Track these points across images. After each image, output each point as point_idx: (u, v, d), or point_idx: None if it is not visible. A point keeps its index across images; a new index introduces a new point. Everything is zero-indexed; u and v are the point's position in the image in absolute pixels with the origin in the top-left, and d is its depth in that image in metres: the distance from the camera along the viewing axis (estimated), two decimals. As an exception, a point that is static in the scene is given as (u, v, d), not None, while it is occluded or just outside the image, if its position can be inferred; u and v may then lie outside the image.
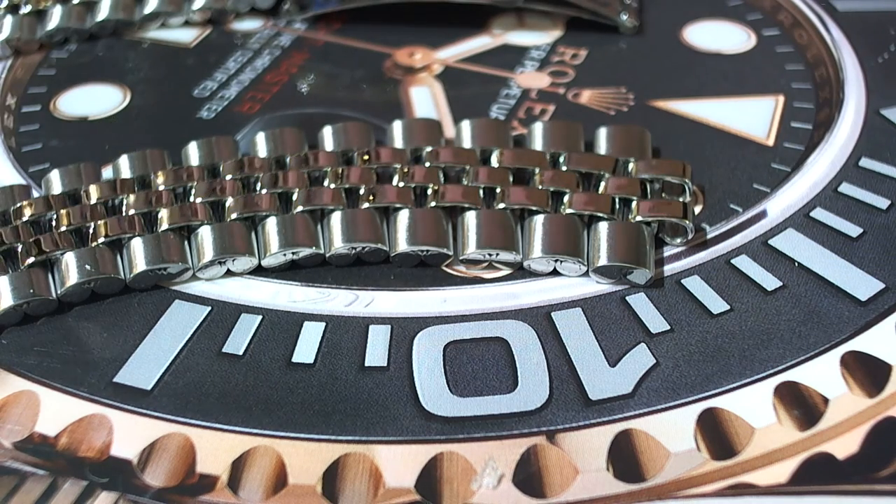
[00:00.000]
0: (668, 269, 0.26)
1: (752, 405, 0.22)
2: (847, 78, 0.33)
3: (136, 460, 0.21)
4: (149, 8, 0.36)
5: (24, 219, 0.26)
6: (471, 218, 0.26)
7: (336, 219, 0.26)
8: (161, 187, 0.27)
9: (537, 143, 0.28)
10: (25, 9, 0.35)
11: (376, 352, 0.24)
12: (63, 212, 0.26)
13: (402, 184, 0.27)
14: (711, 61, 0.34)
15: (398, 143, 0.29)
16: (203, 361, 0.24)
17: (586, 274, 0.25)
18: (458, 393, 0.23)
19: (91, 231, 0.26)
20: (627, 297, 0.25)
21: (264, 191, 0.26)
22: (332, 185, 0.26)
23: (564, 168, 0.27)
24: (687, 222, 0.26)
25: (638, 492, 0.21)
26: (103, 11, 0.36)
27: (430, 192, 0.26)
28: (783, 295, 0.25)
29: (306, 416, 0.22)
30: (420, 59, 0.35)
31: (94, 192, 0.27)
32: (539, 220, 0.26)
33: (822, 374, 0.23)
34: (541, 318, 0.24)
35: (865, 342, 0.23)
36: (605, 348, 0.24)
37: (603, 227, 0.25)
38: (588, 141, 0.29)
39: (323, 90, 0.33)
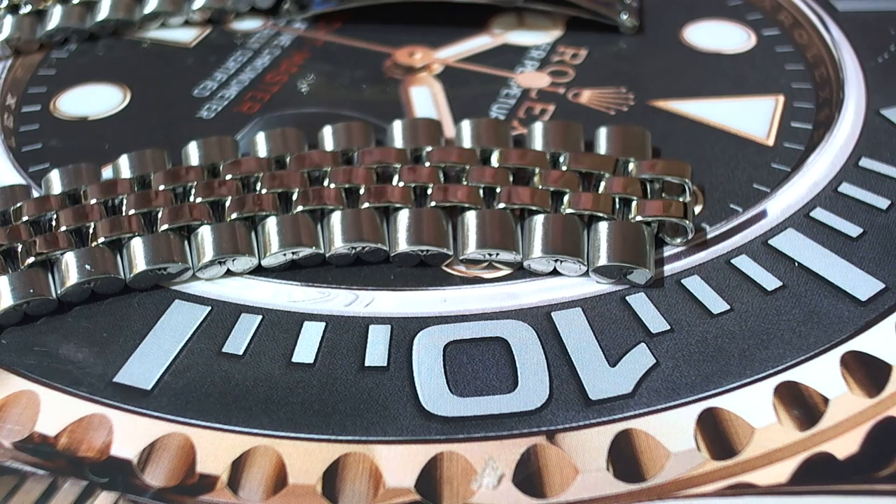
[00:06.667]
0: (668, 269, 0.26)
1: (752, 405, 0.22)
2: (847, 78, 0.33)
3: (136, 460, 0.21)
4: (149, 8, 0.36)
5: (24, 219, 0.26)
6: (471, 218, 0.26)
7: (336, 218, 0.26)
8: (161, 187, 0.27)
9: (537, 143, 0.28)
10: (25, 9, 0.35)
11: (376, 352, 0.24)
12: (63, 212, 0.26)
13: (402, 184, 0.27)
14: (711, 61, 0.34)
15: (398, 142, 0.29)
16: (203, 361, 0.24)
17: (586, 274, 0.25)
18: (458, 393, 0.23)
19: (91, 231, 0.26)
20: (627, 297, 0.25)
21: (264, 191, 0.26)
22: (333, 185, 0.26)
23: (564, 168, 0.27)
24: (687, 222, 0.26)
25: (638, 492, 0.21)
26: (103, 11, 0.36)
27: (430, 191, 0.26)
28: (783, 295, 0.25)
29: (306, 416, 0.22)
30: (420, 59, 0.35)
31: (93, 192, 0.27)
32: (539, 220, 0.26)
33: (822, 374, 0.23)
34: (541, 318, 0.24)
35: (865, 342, 0.23)
36: (605, 348, 0.24)
37: (603, 227, 0.25)
38: (588, 141, 0.29)
39: (323, 90, 0.33)
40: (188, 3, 0.36)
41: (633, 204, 0.26)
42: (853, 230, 0.27)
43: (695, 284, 0.25)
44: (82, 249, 0.25)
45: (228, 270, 0.26)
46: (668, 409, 0.22)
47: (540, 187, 0.26)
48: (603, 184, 0.26)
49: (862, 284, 0.25)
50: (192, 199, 0.26)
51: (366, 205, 0.26)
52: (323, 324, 0.25)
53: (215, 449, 0.22)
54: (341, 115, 0.32)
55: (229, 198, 0.26)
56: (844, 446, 0.21)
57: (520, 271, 0.26)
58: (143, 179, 0.27)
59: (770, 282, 0.25)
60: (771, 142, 0.30)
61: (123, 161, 0.28)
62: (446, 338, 0.24)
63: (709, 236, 0.27)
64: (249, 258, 0.26)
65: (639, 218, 0.26)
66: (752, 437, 0.21)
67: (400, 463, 0.21)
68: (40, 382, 0.23)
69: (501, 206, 0.26)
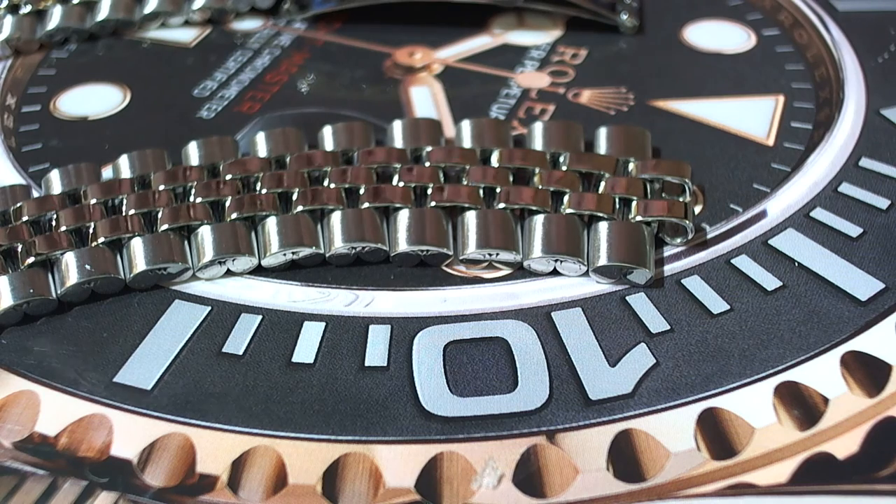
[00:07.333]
0: (668, 269, 0.26)
1: (752, 405, 0.22)
2: (847, 78, 0.33)
3: (136, 460, 0.21)
4: (149, 8, 0.36)
5: (24, 219, 0.26)
6: (471, 218, 0.26)
7: (336, 218, 0.26)
8: (161, 187, 0.27)
9: (537, 143, 0.28)
10: (25, 9, 0.35)
11: (376, 352, 0.24)
12: (63, 212, 0.26)
13: (402, 183, 0.27)
14: (711, 61, 0.34)
15: (398, 142, 0.29)
16: (203, 361, 0.24)
17: (586, 274, 0.25)
18: (458, 393, 0.23)
19: (91, 231, 0.26)
20: (627, 297, 0.25)
21: (264, 191, 0.26)
22: (333, 185, 0.26)
23: (564, 168, 0.27)
24: (687, 222, 0.26)
25: (638, 492, 0.21)
26: (103, 11, 0.36)
27: (430, 191, 0.26)
28: (783, 295, 0.25)
29: (306, 416, 0.22)
30: (420, 59, 0.35)
31: (93, 192, 0.27)
32: (539, 220, 0.26)
33: (822, 374, 0.23)
34: (541, 318, 0.24)
35: (865, 342, 0.23)
36: (605, 348, 0.24)
37: (603, 227, 0.25)
38: (588, 141, 0.29)
39: (323, 90, 0.33)
40: (188, 3, 0.36)
41: (634, 204, 0.26)
42: (853, 230, 0.27)
43: (695, 284, 0.25)
44: (82, 249, 0.25)
45: (228, 270, 0.26)
46: (668, 409, 0.22)
47: (540, 187, 0.26)
48: (603, 184, 0.26)
49: (862, 284, 0.25)
50: (192, 199, 0.26)
51: (366, 205, 0.26)
52: (323, 324, 0.25)
53: (215, 449, 0.22)
54: (341, 115, 0.32)
55: (229, 198, 0.26)
56: (844, 446, 0.21)
57: (520, 271, 0.26)
58: (143, 179, 0.27)
59: (770, 282, 0.25)
60: (771, 142, 0.30)
61: (123, 161, 0.28)
62: (446, 338, 0.24)
63: (709, 236, 0.27)
64: (249, 258, 0.26)
65: (639, 218, 0.26)
66: (752, 437, 0.21)
67: (400, 463, 0.21)
68: (40, 382, 0.23)
69: (501, 206, 0.26)
